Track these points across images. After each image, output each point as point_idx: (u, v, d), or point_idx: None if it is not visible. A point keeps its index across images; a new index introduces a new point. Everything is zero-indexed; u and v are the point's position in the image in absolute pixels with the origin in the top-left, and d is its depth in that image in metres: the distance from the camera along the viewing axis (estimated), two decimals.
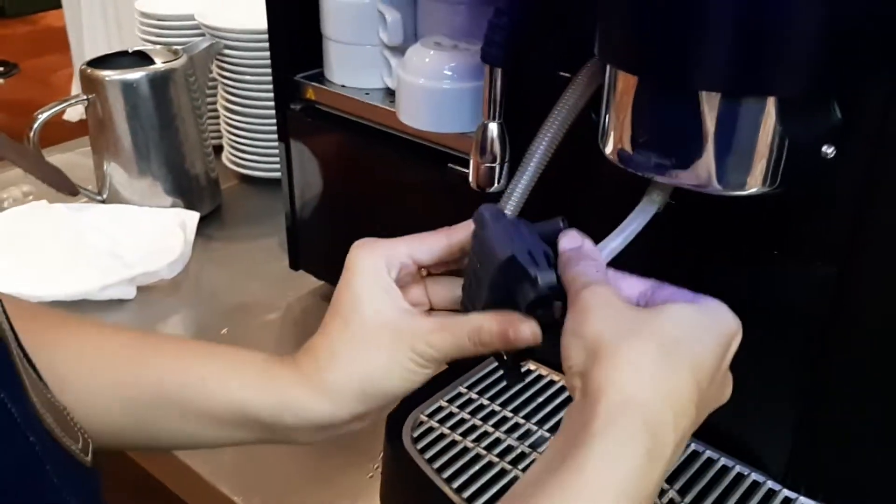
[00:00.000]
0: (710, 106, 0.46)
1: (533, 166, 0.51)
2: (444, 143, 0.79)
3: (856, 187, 0.51)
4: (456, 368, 0.74)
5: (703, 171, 0.47)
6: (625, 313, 0.43)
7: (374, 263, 0.50)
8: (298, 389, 0.50)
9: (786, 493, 0.63)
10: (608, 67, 0.50)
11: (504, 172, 0.60)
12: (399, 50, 0.84)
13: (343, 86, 0.88)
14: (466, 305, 0.51)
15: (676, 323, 0.42)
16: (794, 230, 0.54)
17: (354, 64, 0.88)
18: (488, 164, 0.59)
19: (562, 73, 0.62)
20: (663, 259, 0.53)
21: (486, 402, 0.71)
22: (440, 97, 0.77)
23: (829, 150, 0.48)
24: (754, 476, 0.64)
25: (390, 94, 0.86)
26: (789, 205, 0.53)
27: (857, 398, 0.58)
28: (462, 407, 0.70)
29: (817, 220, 0.53)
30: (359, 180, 0.90)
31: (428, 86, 0.77)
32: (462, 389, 0.72)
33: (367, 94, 0.87)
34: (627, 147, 0.50)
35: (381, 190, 0.88)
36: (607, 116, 0.51)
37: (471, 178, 0.60)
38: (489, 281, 0.47)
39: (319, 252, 0.98)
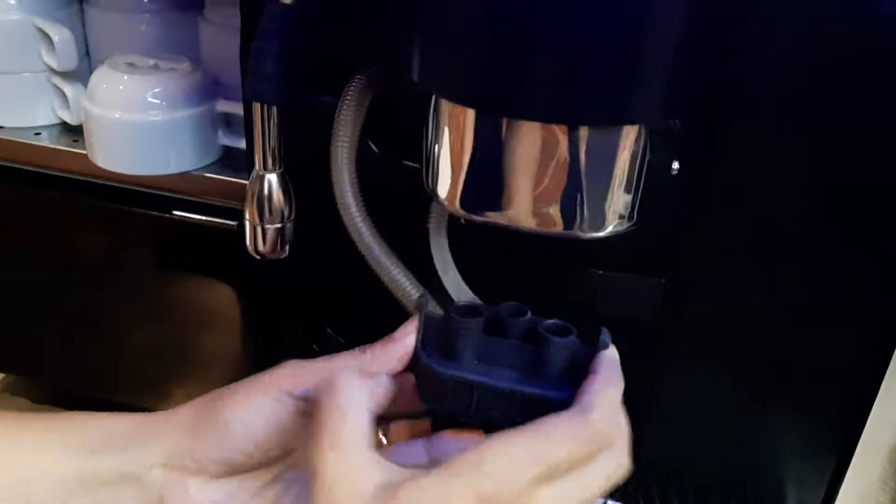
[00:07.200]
0: (566, 140, 0.39)
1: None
2: (161, 187, 0.65)
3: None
4: None
5: (563, 214, 0.41)
6: None
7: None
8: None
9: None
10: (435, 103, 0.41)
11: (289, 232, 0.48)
12: (72, 75, 0.67)
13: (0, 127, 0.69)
14: None
15: None
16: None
17: (10, 98, 0.69)
18: (274, 226, 0.47)
19: (326, 98, 0.52)
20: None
21: None
22: (148, 132, 0.62)
23: (675, 166, 0.44)
24: None
25: (70, 130, 0.69)
26: None
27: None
28: None
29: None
30: (43, 245, 0.72)
31: (129, 119, 0.62)
32: None
33: (37, 133, 0.68)
34: (465, 191, 0.42)
35: (79, 253, 0.71)
36: (432, 152, 0.42)
37: (248, 244, 0.48)
38: None
39: None
